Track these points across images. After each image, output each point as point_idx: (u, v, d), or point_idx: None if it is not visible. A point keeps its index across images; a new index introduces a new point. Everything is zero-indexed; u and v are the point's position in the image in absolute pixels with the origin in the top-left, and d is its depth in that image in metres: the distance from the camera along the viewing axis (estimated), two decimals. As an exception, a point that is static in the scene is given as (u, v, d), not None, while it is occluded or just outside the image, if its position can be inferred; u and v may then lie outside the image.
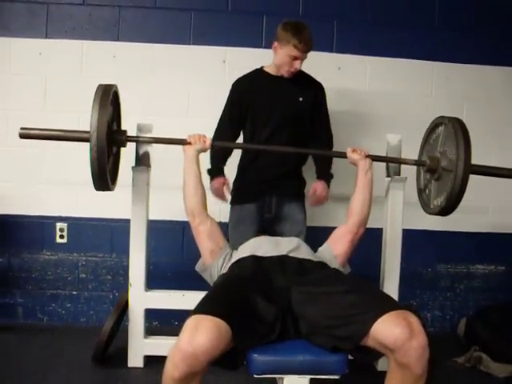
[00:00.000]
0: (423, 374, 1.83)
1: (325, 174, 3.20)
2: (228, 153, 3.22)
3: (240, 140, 3.23)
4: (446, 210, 2.67)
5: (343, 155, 2.78)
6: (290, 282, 2.15)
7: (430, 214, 2.86)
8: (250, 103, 3.10)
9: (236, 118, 3.14)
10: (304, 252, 2.49)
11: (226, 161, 3.21)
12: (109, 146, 2.48)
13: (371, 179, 2.68)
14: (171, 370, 1.75)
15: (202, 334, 1.73)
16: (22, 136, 2.61)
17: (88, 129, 2.36)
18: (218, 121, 3.20)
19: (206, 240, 2.50)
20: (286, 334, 2.01)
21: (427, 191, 2.89)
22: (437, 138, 2.81)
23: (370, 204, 2.64)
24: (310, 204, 3.23)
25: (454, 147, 2.55)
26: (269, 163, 3.10)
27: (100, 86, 2.50)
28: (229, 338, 1.81)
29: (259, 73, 3.15)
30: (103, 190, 2.58)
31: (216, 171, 3.15)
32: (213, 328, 1.76)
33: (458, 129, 2.58)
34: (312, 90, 3.15)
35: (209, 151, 2.80)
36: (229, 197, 3.22)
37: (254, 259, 2.39)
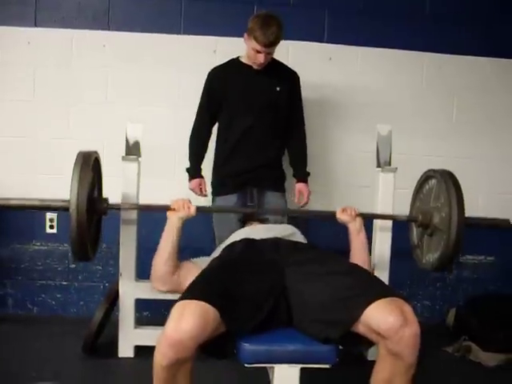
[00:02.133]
0: (414, 363, 1.84)
1: (304, 175, 3.31)
2: (204, 150, 3.27)
3: (215, 128, 3.28)
4: (438, 269, 2.68)
5: (332, 215, 2.69)
6: (283, 261, 2.16)
7: (422, 268, 2.84)
8: (223, 91, 3.12)
9: (211, 106, 3.17)
10: (298, 238, 2.50)
11: (203, 158, 3.26)
12: (89, 216, 2.40)
13: (365, 240, 2.61)
14: (160, 359, 1.76)
15: (188, 320, 1.74)
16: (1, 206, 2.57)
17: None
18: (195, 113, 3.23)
19: (183, 283, 2.31)
20: (279, 317, 2.01)
21: (420, 245, 2.86)
22: (428, 192, 2.77)
23: (369, 263, 2.63)
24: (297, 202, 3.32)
25: (447, 205, 2.50)
26: (248, 153, 3.13)
27: (80, 153, 2.43)
28: (216, 321, 1.81)
29: (235, 62, 3.17)
30: (82, 261, 2.54)
31: (193, 172, 3.23)
32: (198, 312, 1.77)
33: (450, 185, 2.52)
34: (288, 79, 3.17)
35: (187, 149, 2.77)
36: (207, 193, 3.29)
37: (247, 241, 2.40)
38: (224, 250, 2.45)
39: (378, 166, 3.05)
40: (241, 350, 1.91)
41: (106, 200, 2.65)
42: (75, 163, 2.37)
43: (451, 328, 3.61)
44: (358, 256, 2.56)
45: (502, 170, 3.71)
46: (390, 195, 3.03)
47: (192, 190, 3.24)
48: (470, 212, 3.55)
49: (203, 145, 3.25)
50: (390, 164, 3.03)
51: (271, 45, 2.91)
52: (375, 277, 2.25)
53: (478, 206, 3.84)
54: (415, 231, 2.93)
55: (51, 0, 3.58)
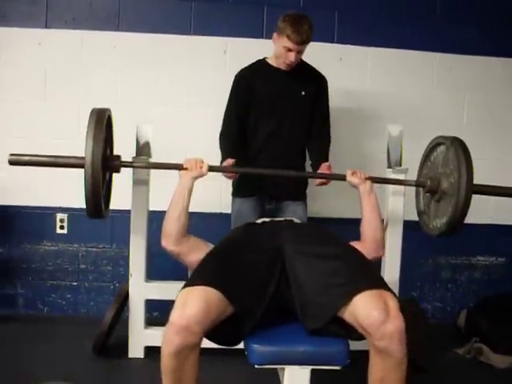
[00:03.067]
0: (403, 358, 1.82)
1: (325, 157, 3.12)
2: (236, 148, 3.08)
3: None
4: (446, 233, 2.65)
5: (342, 178, 2.69)
6: (284, 239, 2.17)
7: (429, 234, 2.83)
8: (253, 96, 3.05)
9: (242, 111, 3.08)
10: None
11: (237, 152, 3.05)
12: (103, 172, 2.40)
13: (376, 202, 2.57)
14: (167, 347, 1.79)
15: (192, 305, 1.77)
16: (12, 163, 2.51)
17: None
18: (223, 114, 3.13)
19: (190, 255, 2.37)
20: (282, 299, 2.03)
21: (427, 211, 2.85)
22: (437, 157, 2.76)
23: (381, 227, 2.57)
24: (316, 184, 3.09)
25: (456, 170, 2.50)
26: (269, 158, 3.06)
27: (93, 110, 2.41)
28: (222, 303, 1.84)
29: (262, 64, 3.10)
30: (96, 217, 2.49)
31: (226, 155, 3.03)
32: (202, 297, 1.80)
33: (459, 151, 2.52)
34: (315, 83, 3.10)
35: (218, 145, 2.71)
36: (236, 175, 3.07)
37: (248, 224, 2.42)
38: (226, 235, 2.45)
39: (389, 166, 3.04)
40: (251, 351, 1.91)
41: (118, 157, 2.61)
42: (89, 120, 2.35)
43: (462, 329, 3.59)
44: (369, 219, 2.52)
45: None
46: (401, 195, 3.02)
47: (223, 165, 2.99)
48: (480, 217, 3.55)
49: (234, 144, 3.09)
50: (400, 165, 3.03)
51: (303, 42, 2.86)
52: (369, 265, 2.21)
53: (488, 207, 3.83)
54: (422, 197, 2.91)
55: (62, 1, 3.59)
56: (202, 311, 1.77)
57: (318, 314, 1.94)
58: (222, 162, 3.03)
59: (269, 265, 2.06)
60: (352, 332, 1.94)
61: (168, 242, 2.37)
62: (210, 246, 2.37)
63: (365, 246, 2.46)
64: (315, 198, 3.33)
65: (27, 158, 2.53)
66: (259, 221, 2.51)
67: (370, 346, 1.86)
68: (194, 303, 1.78)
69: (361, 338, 1.94)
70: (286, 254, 2.09)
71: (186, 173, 2.50)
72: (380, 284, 1.94)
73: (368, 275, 2.01)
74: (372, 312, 1.78)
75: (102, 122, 2.36)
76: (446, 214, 2.60)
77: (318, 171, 3.04)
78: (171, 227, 2.37)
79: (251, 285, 1.98)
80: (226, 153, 3.06)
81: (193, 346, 1.79)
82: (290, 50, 2.87)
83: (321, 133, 3.17)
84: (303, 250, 2.11)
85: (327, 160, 3.11)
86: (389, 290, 1.91)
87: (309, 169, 3.22)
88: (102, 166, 2.34)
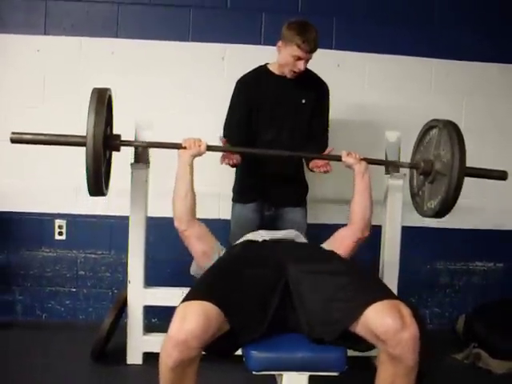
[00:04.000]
0: (415, 367, 1.83)
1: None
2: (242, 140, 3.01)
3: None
4: (440, 213, 2.69)
5: (338, 158, 2.75)
6: (285, 258, 2.16)
7: (423, 216, 2.87)
8: (254, 103, 3.03)
9: (243, 117, 3.06)
10: (302, 240, 2.51)
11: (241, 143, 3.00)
12: (104, 150, 2.45)
13: (369, 182, 2.65)
14: (165, 360, 1.78)
15: (191, 320, 1.75)
16: (14, 141, 2.55)
17: (85, 129, 2.35)
18: (224, 120, 3.12)
19: (197, 242, 2.47)
20: (283, 313, 2.01)
21: (420, 193, 2.89)
22: (430, 140, 2.80)
23: (371, 207, 2.62)
24: (312, 167, 3.02)
25: (449, 151, 2.55)
26: (269, 166, 3.05)
27: (95, 89, 2.47)
28: (220, 319, 1.82)
29: (264, 71, 3.07)
30: (97, 195, 2.56)
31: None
32: (201, 312, 1.77)
33: (452, 132, 2.57)
34: (316, 91, 3.07)
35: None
36: (237, 162, 2.98)
37: (248, 242, 2.41)
38: (226, 251, 2.47)
39: (387, 172, 3.04)
40: (249, 358, 1.91)
41: (118, 136, 2.68)
42: (91, 99, 2.40)
43: (461, 335, 3.59)
44: (360, 198, 2.60)
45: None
46: (399, 201, 3.03)
47: (223, 156, 2.94)
48: (478, 222, 3.56)
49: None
50: (398, 171, 3.03)
51: (314, 50, 2.85)
52: (375, 278, 2.26)
53: (487, 213, 3.84)
54: (416, 179, 2.95)
55: (61, 8, 3.60)
56: (201, 326, 1.75)
57: (328, 330, 1.92)
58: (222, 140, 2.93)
59: (270, 285, 2.03)
60: (360, 343, 1.94)
61: (181, 223, 2.47)
62: (216, 242, 2.49)
63: (352, 227, 2.56)
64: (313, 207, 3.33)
65: (29, 136, 2.58)
66: (259, 238, 2.49)
67: (380, 353, 1.86)
68: (193, 318, 1.76)
69: (368, 348, 1.96)
70: (290, 274, 2.07)
71: (184, 151, 2.59)
72: (391, 294, 1.94)
73: (377, 287, 2.01)
74: (386, 320, 1.77)
75: (103, 101, 2.41)
76: (440, 194, 2.62)
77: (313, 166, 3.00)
78: (181, 208, 2.47)
79: (251, 305, 1.95)
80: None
81: (191, 360, 1.78)
82: (299, 58, 2.85)
83: (318, 140, 3.09)
84: (308, 268, 2.09)
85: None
86: (400, 299, 1.90)
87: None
88: (103, 144, 2.39)
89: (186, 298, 1.88)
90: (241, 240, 2.55)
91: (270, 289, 2.02)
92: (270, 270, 2.10)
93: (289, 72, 2.92)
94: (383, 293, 1.92)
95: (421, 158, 2.84)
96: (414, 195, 2.98)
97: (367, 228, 2.58)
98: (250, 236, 2.60)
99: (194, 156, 2.58)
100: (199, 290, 1.96)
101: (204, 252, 2.47)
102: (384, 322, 1.78)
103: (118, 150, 2.70)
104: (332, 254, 2.37)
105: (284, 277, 2.07)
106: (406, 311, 1.82)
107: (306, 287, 2.03)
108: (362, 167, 2.66)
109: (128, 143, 2.77)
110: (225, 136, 3.01)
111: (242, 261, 2.20)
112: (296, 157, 3.08)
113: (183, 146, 2.61)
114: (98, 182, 2.43)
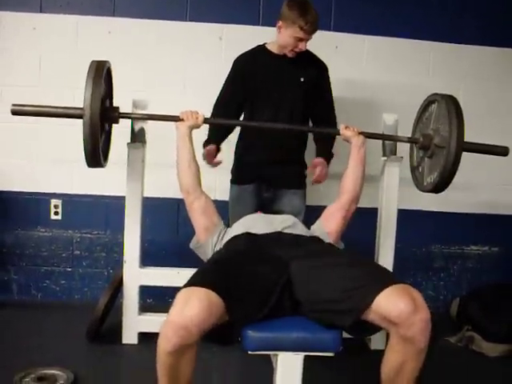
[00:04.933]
0: (425, 348, 1.85)
1: (325, 153, 3.08)
2: (227, 131, 3.12)
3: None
4: (439, 186, 2.67)
5: (336, 132, 2.79)
6: (287, 255, 2.14)
7: (422, 191, 2.86)
8: (251, 81, 3.02)
9: (235, 96, 3.07)
10: (299, 229, 2.49)
11: (224, 137, 3.11)
12: (101, 123, 2.45)
13: (364, 156, 2.67)
14: (164, 344, 1.75)
15: (193, 306, 1.72)
16: (14, 112, 2.56)
17: (82, 105, 2.34)
18: (215, 100, 3.12)
19: (201, 217, 2.51)
20: (283, 310, 2.00)
21: (420, 169, 2.89)
22: (430, 115, 2.80)
23: (362, 181, 2.64)
24: (313, 182, 3.09)
25: (447, 124, 2.54)
26: (267, 146, 3.03)
27: (93, 62, 2.47)
28: (221, 309, 1.80)
29: (262, 50, 3.06)
30: (95, 167, 2.56)
31: (209, 142, 3.02)
32: (203, 299, 1.75)
33: (450, 105, 2.57)
34: (315, 70, 3.06)
35: (207, 129, 2.76)
36: (218, 160, 3.06)
37: (248, 236, 2.39)
38: (226, 244, 2.43)
39: (384, 155, 3.04)
40: (245, 338, 1.90)
41: (117, 109, 2.69)
42: (88, 71, 2.40)
43: (454, 318, 3.61)
44: (353, 170, 2.63)
45: (509, 161, 3.71)
46: (396, 184, 3.04)
47: (206, 151, 2.99)
48: (474, 207, 3.57)
49: (221, 128, 3.07)
50: (395, 153, 3.03)
51: (315, 30, 2.85)
52: (380, 266, 2.26)
53: (481, 197, 3.85)
54: (415, 154, 2.96)
55: (57, -15, 3.56)
56: (202, 313, 1.72)
57: (339, 320, 1.91)
58: (204, 145, 3.02)
59: (272, 281, 2.01)
60: (369, 329, 1.95)
61: (189, 194, 2.52)
62: (219, 220, 2.55)
63: (340, 201, 2.59)
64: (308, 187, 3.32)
65: (29, 108, 2.58)
66: (260, 232, 2.43)
67: (392, 335, 1.86)
68: (195, 304, 1.72)
69: (375, 331, 1.98)
70: (293, 272, 2.06)
71: (182, 123, 2.63)
72: (399, 280, 1.93)
73: (383, 274, 2.02)
74: (398, 304, 1.78)
75: (100, 74, 2.41)
76: (438, 167, 2.63)
77: (310, 167, 3.07)
78: (186, 178, 2.52)
79: (252, 300, 1.93)
80: (210, 135, 3.07)
81: (190, 346, 1.76)
82: (301, 39, 2.85)
83: (325, 122, 3.08)
84: (311, 264, 2.08)
85: (328, 153, 3.09)
86: (409, 284, 1.90)
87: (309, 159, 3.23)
88: (101, 116, 2.39)
89: (190, 283, 1.86)
90: (240, 231, 2.48)
91: (272, 285, 2.00)
92: (272, 267, 2.07)
93: (289, 52, 2.92)
94: (390, 278, 1.93)
95: (420, 133, 2.84)
96: (413, 169, 2.97)
97: (355, 201, 2.60)
98: (248, 222, 2.58)
99: (192, 128, 2.62)
100: (201, 278, 1.93)
101: (206, 228, 2.50)
102: (396, 307, 1.78)
103: (117, 122, 2.71)
104: (331, 247, 2.38)
105: (286, 274, 2.05)
106: (417, 294, 1.84)
107: (312, 280, 2.02)
108: (360, 141, 2.68)
109: (126, 115, 2.78)
110: (212, 115, 3.03)
111: (245, 257, 2.16)
112: (295, 132, 3.06)
113: (180, 117, 2.64)
114: (95, 154, 2.43)
